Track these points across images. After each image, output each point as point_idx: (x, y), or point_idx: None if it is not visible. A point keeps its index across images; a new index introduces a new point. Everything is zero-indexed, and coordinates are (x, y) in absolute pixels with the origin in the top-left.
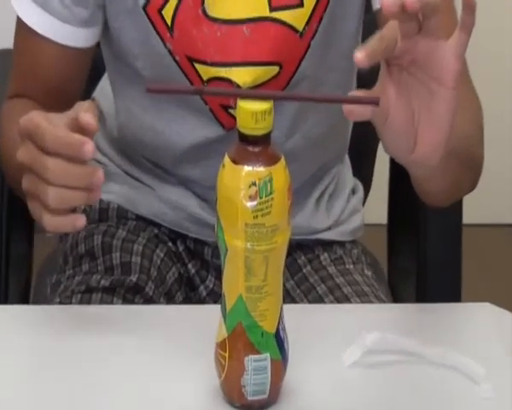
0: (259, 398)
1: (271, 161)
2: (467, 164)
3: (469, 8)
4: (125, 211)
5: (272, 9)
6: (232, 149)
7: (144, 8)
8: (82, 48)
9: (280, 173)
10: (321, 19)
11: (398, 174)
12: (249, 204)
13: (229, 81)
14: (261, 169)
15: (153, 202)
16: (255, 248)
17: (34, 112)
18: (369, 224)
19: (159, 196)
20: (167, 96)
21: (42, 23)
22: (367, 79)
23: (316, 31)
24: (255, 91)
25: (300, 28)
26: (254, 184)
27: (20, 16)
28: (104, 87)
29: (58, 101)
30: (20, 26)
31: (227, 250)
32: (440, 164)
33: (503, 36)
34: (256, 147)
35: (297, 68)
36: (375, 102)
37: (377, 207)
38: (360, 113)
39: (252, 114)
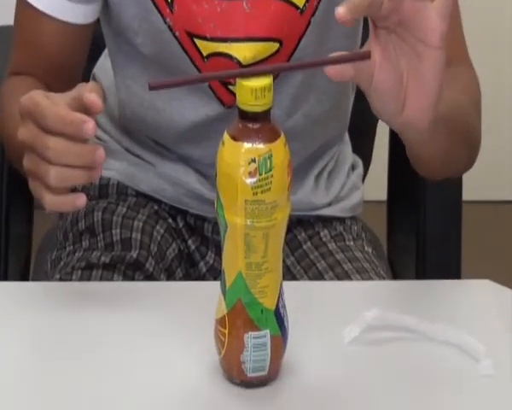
0: (259, 375)
1: (271, 137)
2: (460, 134)
3: None
4: (125, 187)
5: None
6: (232, 126)
7: None
8: (81, 24)
9: (280, 150)
10: None
11: (398, 151)
12: (249, 181)
13: (229, 56)
14: (261, 146)
15: (152, 178)
16: (255, 225)
17: (35, 91)
18: (368, 200)
19: (158, 172)
20: (168, 75)
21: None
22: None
23: (316, 8)
24: (254, 69)
25: (301, 5)
26: (254, 160)
27: None
28: (105, 64)
29: (59, 77)
30: (20, 2)
31: (227, 227)
32: (431, 129)
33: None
34: (256, 124)
35: (297, 45)
36: (366, 57)
37: (377, 184)
38: (342, 72)
39: (251, 90)
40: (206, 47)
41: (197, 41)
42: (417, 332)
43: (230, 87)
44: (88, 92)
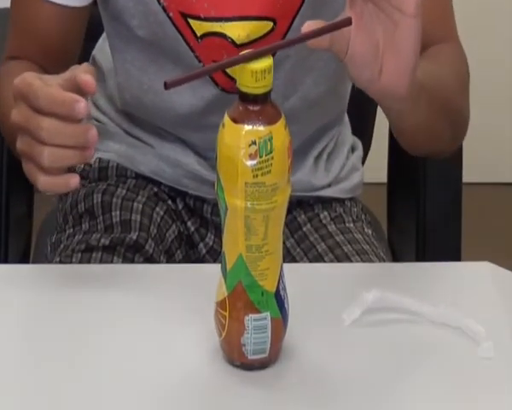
0: (259, 357)
1: (271, 119)
2: (443, 109)
3: None
4: (125, 169)
5: None
6: (232, 109)
7: None
8: (78, 7)
9: (280, 132)
10: None
11: None
12: (249, 163)
13: (223, 36)
14: (261, 128)
15: (152, 159)
16: (255, 208)
17: (28, 72)
18: (369, 183)
19: (158, 153)
20: (164, 58)
21: None
22: None
23: None
24: (255, 51)
25: None
26: (254, 142)
27: None
28: (104, 45)
29: (55, 61)
30: None
31: (227, 209)
32: (411, 99)
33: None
34: (256, 106)
35: (291, 24)
36: (348, 23)
37: (377, 166)
38: (318, 42)
39: (251, 72)
40: (200, 27)
41: (191, 21)
42: (417, 314)
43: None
44: (83, 73)
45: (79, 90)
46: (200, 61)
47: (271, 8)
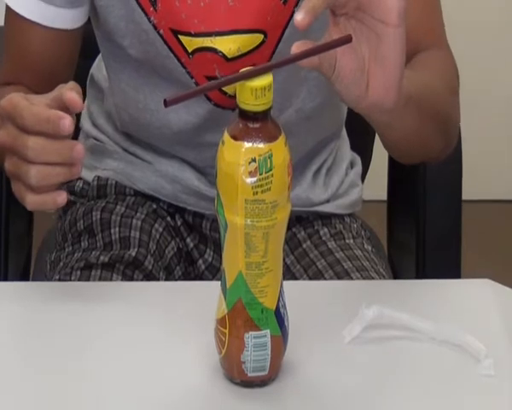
0: (259, 374)
1: (271, 137)
2: (433, 118)
3: None
4: (123, 187)
5: None
6: (232, 126)
7: None
8: (69, 29)
9: (280, 149)
10: None
11: None
12: (249, 180)
13: (213, 50)
14: (261, 145)
15: (150, 176)
16: (255, 225)
17: (14, 93)
18: (369, 200)
19: (156, 170)
20: (156, 73)
21: (27, 6)
22: None
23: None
24: (254, 69)
25: None
26: (254, 160)
27: (6, 1)
28: (101, 64)
29: (50, 85)
30: (8, 13)
31: (227, 226)
32: (399, 109)
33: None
34: (256, 123)
35: (281, 36)
36: (347, 41)
37: (377, 184)
38: (308, 61)
39: (251, 90)
40: (191, 43)
41: (182, 38)
42: (418, 331)
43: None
44: (68, 90)
45: (66, 108)
46: (192, 77)
47: (261, 20)
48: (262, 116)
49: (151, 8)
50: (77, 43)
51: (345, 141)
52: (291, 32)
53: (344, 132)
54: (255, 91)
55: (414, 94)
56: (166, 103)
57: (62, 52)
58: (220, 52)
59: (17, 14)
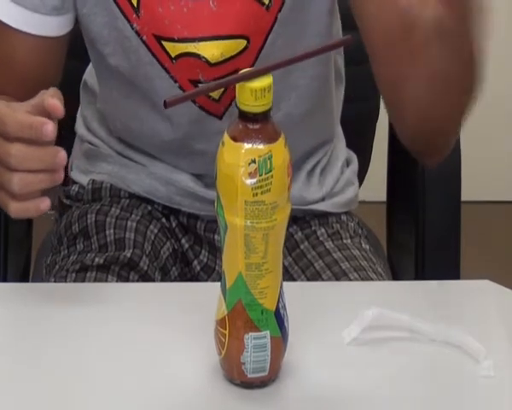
0: (259, 375)
1: (271, 138)
2: (460, 56)
3: None
4: (118, 190)
5: None
6: (232, 127)
7: None
8: (55, 37)
9: (280, 151)
10: None
11: (398, 151)
12: (249, 181)
13: (197, 56)
14: (261, 146)
15: (144, 179)
16: (255, 226)
17: None
18: (368, 201)
19: (150, 172)
20: (140, 80)
21: (12, 14)
22: (354, 54)
23: (282, 4)
24: (253, 70)
25: (266, 1)
26: (254, 161)
27: None
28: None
29: (34, 94)
30: None
31: (227, 228)
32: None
33: None
34: (256, 124)
35: (264, 42)
36: (347, 43)
37: (377, 185)
38: None
39: (251, 91)
40: (174, 48)
41: (165, 43)
42: (417, 332)
43: (200, 85)
44: (50, 97)
45: (47, 114)
46: (175, 81)
47: (244, 26)
48: (262, 117)
49: (134, 15)
50: (63, 50)
51: (340, 140)
52: (274, 37)
53: (339, 131)
54: (255, 92)
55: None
56: (166, 104)
57: (48, 60)
58: (203, 57)
59: (1, 23)
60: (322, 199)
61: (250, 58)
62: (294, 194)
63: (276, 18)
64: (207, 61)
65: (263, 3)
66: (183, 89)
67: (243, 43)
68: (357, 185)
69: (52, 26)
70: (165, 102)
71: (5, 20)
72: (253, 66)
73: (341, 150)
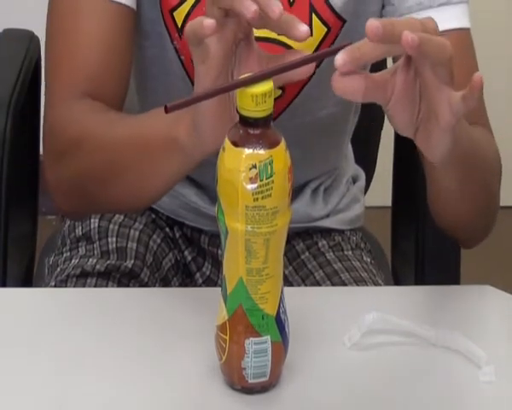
0: (260, 381)
1: (272, 143)
2: (479, 178)
3: (473, 91)
4: None
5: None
6: (232, 132)
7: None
8: (132, 8)
9: (280, 156)
10: None
11: (403, 158)
12: (249, 187)
13: None
14: (261, 152)
15: None
16: (256, 231)
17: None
18: (374, 206)
19: None
20: (171, 91)
21: None
22: None
23: (322, 60)
24: (256, 75)
25: None
26: (255, 166)
27: None
28: None
29: (108, 90)
30: (66, 3)
31: (227, 233)
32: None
33: None
34: (256, 129)
35: (299, 92)
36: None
37: (382, 190)
38: (350, 90)
39: (252, 96)
40: None
41: None
42: (418, 337)
43: None
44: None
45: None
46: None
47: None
48: (262, 123)
49: (176, 34)
50: (133, 30)
51: (347, 158)
52: (309, 88)
53: (348, 149)
54: (256, 98)
55: (464, 149)
56: (167, 110)
57: (124, 32)
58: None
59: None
60: (327, 215)
61: (281, 106)
62: (299, 211)
63: (314, 72)
64: None
65: None
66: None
67: (278, 92)
68: (363, 203)
69: None
70: (165, 106)
71: None
72: (282, 113)
73: (348, 167)
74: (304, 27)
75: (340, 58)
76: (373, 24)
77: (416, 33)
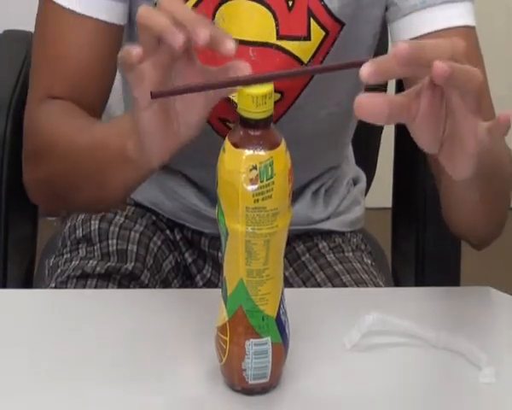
0: (260, 382)
1: (272, 144)
2: (497, 196)
3: (500, 126)
4: None
5: (279, 38)
6: (233, 133)
7: None
8: (116, 24)
9: (281, 157)
10: (327, 53)
11: (403, 159)
12: (250, 188)
13: (228, 100)
14: (262, 153)
15: (151, 189)
16: (256, 232)
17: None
18: (374, 207)
19: (157, 180)
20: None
21: (82, 2)
22: None
23: (321, 63)
24: (254, 76)
25: (305, 60)
26: (255, 167)
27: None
28: None
29: (88, 93)
30: (49, 14)
31: (228, 234)
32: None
33: None
34: (257, 131)
35: (298, 96)
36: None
37: (383, 191)
38: (374, 115)
39: (252, 97)
40: None
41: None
42: (418, 339)
43: (229, 124)
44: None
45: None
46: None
47: (280, 82)
48: (263, 124)
49: None
50: (118, 44)
51: (349, 160)
52: (308, 92)
53: (349, 150)
54: (256, 99)
55: (487, 166)
56: (152, 95)
57: (105, 50)
58: (234, 103)
59: (67, 12)
60: (328, 218)
61: (281, 109)
62: (300, 213)
63: (312, 76)
64: (237, 106)
65: (301, 62)
66: (211, 123)
67: (277, 96)
68: (364, 205)
69: (116, 12)
70: (151, 92)
71: (71, 8)
72: (282, 116)
73: (348, 169)
74: (230, 44)
75: (365, 70)
76: (402, 46)
77: (447, 63)
